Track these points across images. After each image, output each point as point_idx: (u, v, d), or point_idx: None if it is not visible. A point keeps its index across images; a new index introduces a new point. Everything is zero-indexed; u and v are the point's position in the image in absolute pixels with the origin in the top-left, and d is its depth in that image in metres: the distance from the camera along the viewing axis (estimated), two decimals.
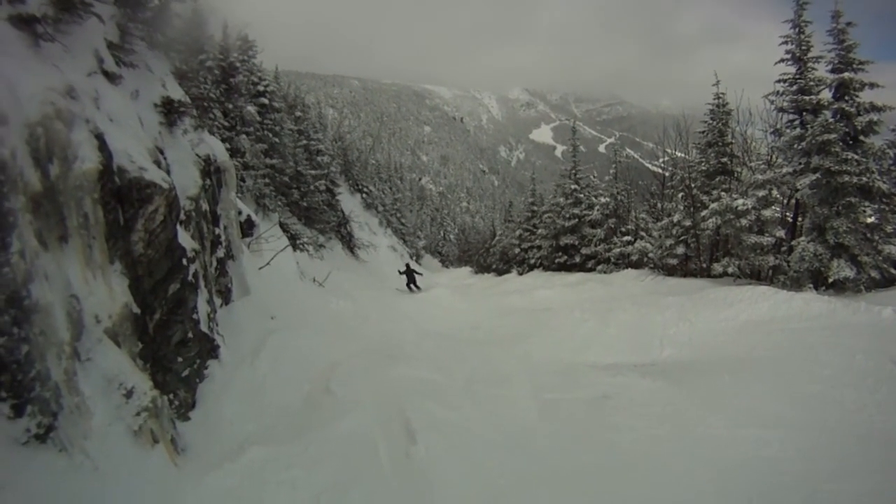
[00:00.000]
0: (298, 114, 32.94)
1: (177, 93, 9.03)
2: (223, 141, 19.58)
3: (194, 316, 7.31)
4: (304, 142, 31.20)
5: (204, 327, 7.65)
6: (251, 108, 22.37)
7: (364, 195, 51.38)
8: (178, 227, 6.93)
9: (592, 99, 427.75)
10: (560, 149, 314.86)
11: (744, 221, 17.12)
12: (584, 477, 6.20)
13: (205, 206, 8.59)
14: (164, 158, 7.58)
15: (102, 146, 5.39)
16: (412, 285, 27.74)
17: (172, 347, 6.62)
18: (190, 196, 7.89)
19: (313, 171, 29.51)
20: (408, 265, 29.58)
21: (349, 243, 35.96)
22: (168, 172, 7.19)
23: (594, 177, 33.76)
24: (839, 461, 6.06)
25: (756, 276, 18.27)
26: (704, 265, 20.73)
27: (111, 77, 6.64)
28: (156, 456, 5.54)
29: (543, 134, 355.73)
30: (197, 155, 9.16)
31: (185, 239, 7.26)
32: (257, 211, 19.40)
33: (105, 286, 5.34)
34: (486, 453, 6.70)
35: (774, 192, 17.35)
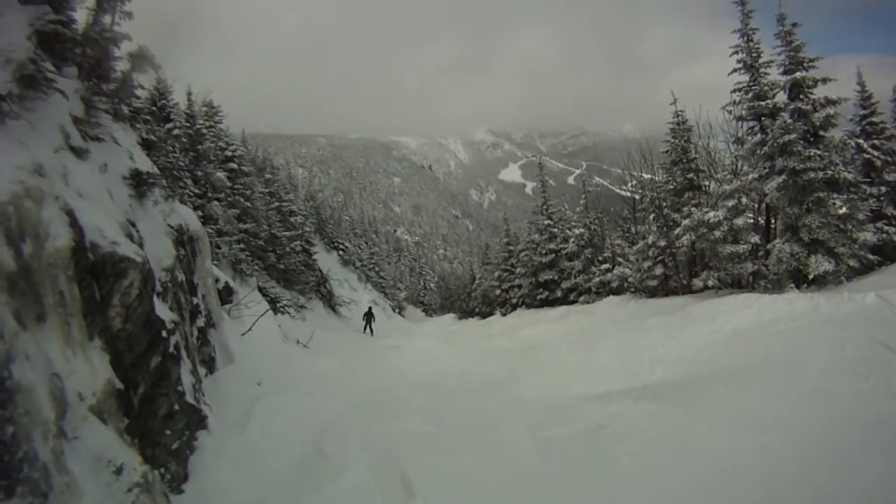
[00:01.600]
0: (268, 176, 33.18)
1: (145, 164, 9.03)
2: (195, 209, 19.53)
3: (179, 388, 7.21)
4: (276, 203, 31.42)
5: (190, 398, 7.55)
6: (221, 175, 22.45)
7: (340, 252, 51.54)
8: (154, 299, 6.88)
9: (556, 132, 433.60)
10: (530, 185, 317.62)
11: (717, 233, 17.29)
12: None
13: (181, 277, 8.53)
14: (137, 231, 7.54)
15: (73, 222, 5.36)
16: (369, 327, 32.09)
17: (159, 421, 6.51)
18: (165, 267, 7.84)
19: (287, 233, 29.64)
20: (370, 308, 33.80)
21: (330, 302, 35.99)
22: (141, 245, 7.16)
23: (566, 209, 34.05)
24: (841, 453, 6.08)
25: (737, 284, 18.40)
26: (684, 282, 20.87)
27: (78, 152, 6.62)
28: None
29: (512, 173, 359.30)
30: (169, 225, 9.14)
31: (164, 311, 7.19)
32: (234, 277, 19.34)
33: (86, 363, 5.27)
34: (488, 500, 6.64)
35: (744, 200, 17.59)
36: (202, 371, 9.78)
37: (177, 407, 6.99)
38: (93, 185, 6.53)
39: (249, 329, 13.69)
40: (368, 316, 32.93)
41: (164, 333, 6.84)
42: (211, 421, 8.12)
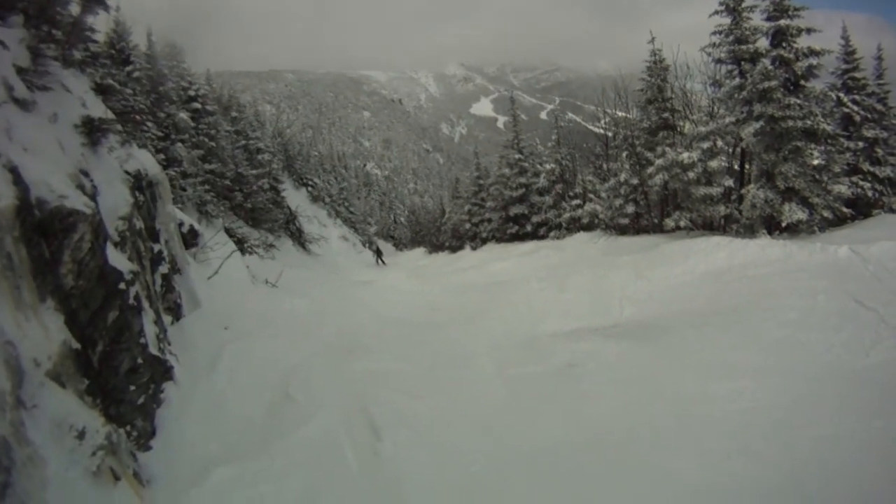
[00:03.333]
0: (234, 114, 32.45)
1: (98, 110, 8.69)
2: (158, 151, 19.21)
3: (141, 340, 7.06)
4: (243, 142, 30.90)
5: (154, 350, 7.40)
6: (184, 115, 21.93)
7: (309, 189, 50.99)
8: (108, 250, 6.67)
9: (530, 67, 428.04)
10: (502, 120, 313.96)
11: (691, 174, 17.17)
12: (558, 453, 6.19)
13: (139, 224, 8.30)
14: (90, 180, 7.26)
15: (17, 179, 5.12)
16: (380, 259, 37.32)
17: (122, 377, 6.37)
18: (122, 216, 7.60)
19: (255, 171, 29.14)
20: (377, 245, 39.43)
21: (299, 239, 35.68)
22: (95, 195, 6.92)
23: (537, 144, 33.76)
24: (813, 405, 6.17)
25: (709, 227, 18.41)
26: (656, 221, 20.88)
27: (23, 104, 6.31)
28: (119, 494, 5.30)
29: (484, 107, 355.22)
30: (126, 172, 8.87)
31: (121, 261, 6.99)
32: (200, 219, 19.03)
33: (39, 327, 5.08)
34: (456, 441, 6.63)
35: (719, 143, 17.45)
36: (167, 319, 9.63)
37: (140, 360, 6.85)
38: (40, 138, 6.25)
39: (216, 272, 13.51)
40: (377, 251, 38.98)
41: (122, 286, 6.64)
42: (177, 371, 8.01)
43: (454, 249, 39.03)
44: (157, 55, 22.41)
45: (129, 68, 19.96)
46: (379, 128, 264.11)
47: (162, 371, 7.54)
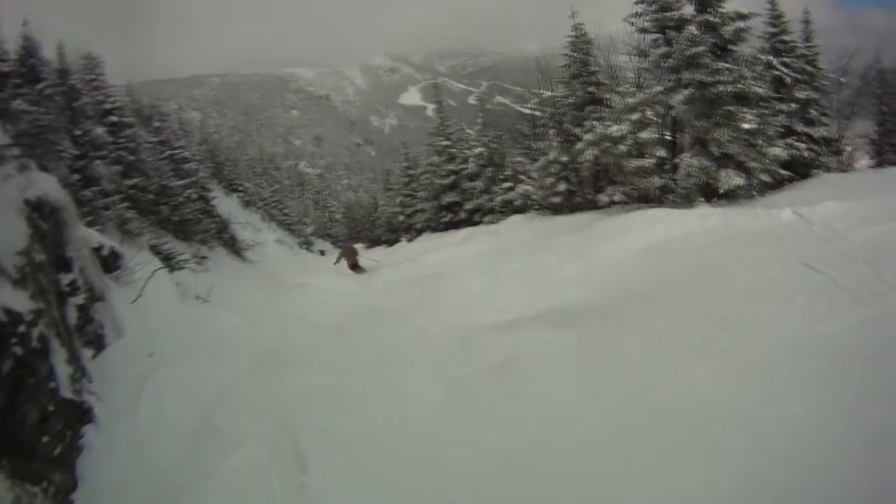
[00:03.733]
0: (157, 124, 31.35)
1: None
2: (75, 171, 18.42)
3: (51, 385, 6.57)
4: (168, 152, 29.81)
5: (67, 392, 6.90)
6: (100, 130, 20.98)
7: (240, 194, 50.13)
8: (7, 290, 6.19)
9: (456, 54, 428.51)
10: (431, 108, 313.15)
11: (622, 147, 17.15)
12: (503, 468, 5.81)
13: (40, 257, 7.70)
14: None
15: None
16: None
17: (30, 431, 5.89)
18: (19, 251, 7.04)
19: (181, 182, 28.19)
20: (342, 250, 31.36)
21: (234, 247, 34.87)
22: None
23: (465, 129, 33.55)
24: (772, 384, 5.86)
25: (644, 199, 18.44)
26: (590, 197, 20.77)
27: None
28: None
29: (412, 96, 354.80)
30: (27, 200, 8.30)
31: (20, 301, 6.47)
32: (122, 240, 18.20)
33: None
34: (390, 465, 6.23)
35: (649, 114, 17.44)
36: (89, 353, 9.10)
37: (51, 408, 6.38)
38: None
39: (139, 295, 12.85)
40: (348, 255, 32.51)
41: (20, 328, 6.15)
42: (98, 411, 7.53)
43: (390, 243, 38.78)
44: (69, 69, 21.42)
45: (40, 86, 19.01)
46: (308, 125, 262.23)
47: (79, 415, 7.06)
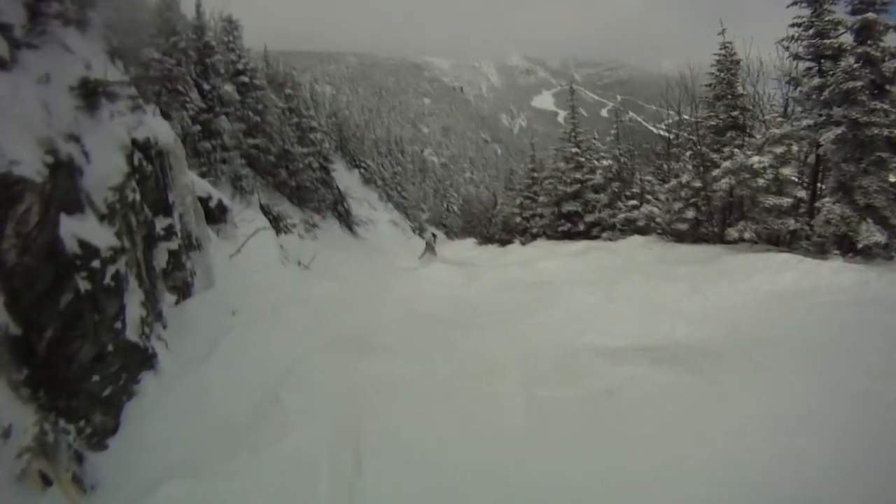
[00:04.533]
0: (288, 91, 31.63)
1: (104, 72, 7.82)
2: (200, 124, 18.67)
3: (116, 325, 6.21)
4: (296, 119, 30.11)
5: (133, 335, 6.53)
6: (229, 88, 21.27)
7: (362, 170, 50.52)
8: (92, 223, 5.93)
9: (593, 63, 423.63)
10: (562, 114, 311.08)
11: (760, 181, 15.71)
12: None
13: (134, 196, 7.38)
14: (81, 147, 6.50)
15: None
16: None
17: (80, 367, 5.52)
18: (112, 186, 6.73)
19: (304, 150, 28.39)
20: (428, 241, 33.40)
21: (347, 221, 34.98)
22: (73, 163, 6.12)
23: (596, 139, 32.33)
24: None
25: (774, 241, 16.96)
26: (716, 230, 19.37)
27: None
28: (47, 502, 4.55)
29: (545, 100, 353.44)
30: (134, 139, 8.06)
31: (102, 236, 6.14)
32: (234, 194, 18.26)
33: None
34: (453, 484, 5.50)
35: (794, 148, 15.95)
36: (171, 299, 8.83)
37: (110, 347, 6.01)
38: (16, 98, 5.52)
39: (238, 250, 12.65)
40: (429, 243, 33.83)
41: (92, 264, 5.80)
42: (164, 360, 7.14)
43: (503, 242, 37.86)
44: (205, 26, 21.84)
45: (174, 38, 19.49)
46: (438, 115, 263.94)
47: (141, 359, 6.68)
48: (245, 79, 23.28)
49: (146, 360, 6.78)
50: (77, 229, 5.73)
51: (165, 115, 17.41)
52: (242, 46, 24.14)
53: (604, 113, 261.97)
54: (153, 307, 7.60)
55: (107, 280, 6.03)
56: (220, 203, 13.72)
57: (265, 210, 18.53)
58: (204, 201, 12.89)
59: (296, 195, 27.27)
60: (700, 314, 11.35)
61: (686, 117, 24.16)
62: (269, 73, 33.36)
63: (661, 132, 29.96)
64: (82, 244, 5.70)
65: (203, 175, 16.72)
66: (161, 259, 8.75)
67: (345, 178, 41.82)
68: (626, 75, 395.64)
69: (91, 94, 7.16)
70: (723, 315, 11.07)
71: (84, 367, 5.60)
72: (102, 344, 5.87)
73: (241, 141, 21.29)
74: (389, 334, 11.02)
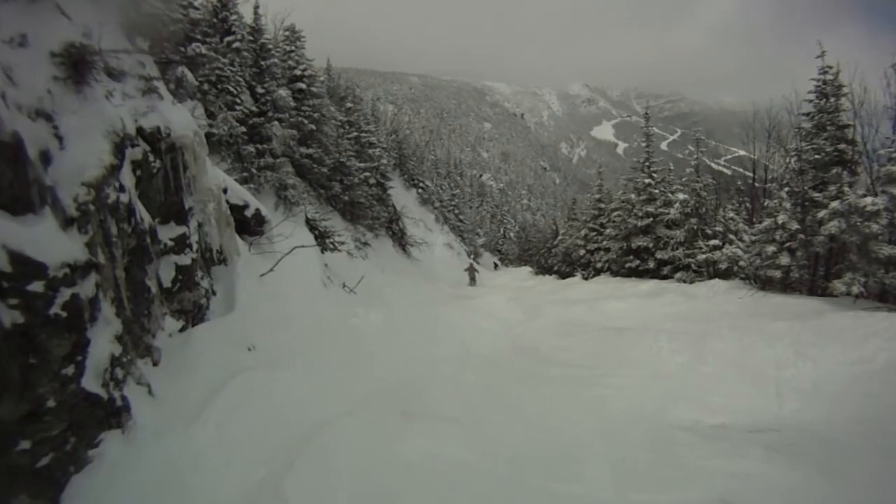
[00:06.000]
0: (349, 105, 30.76)
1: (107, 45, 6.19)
2: (249, 127, 17.45)
3: (66, 371, 4.47)
4: (355, 133, 29.33)
5: (93, 384, 4.77)
6: (283, 93, 20.01)
7: (420, 190, 49.65)
8: (20, 227, 4.25)
9: (654, 95, 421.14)
10: (622, 146, 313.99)
11: (874, 226, 13.57)
12: None
13: (119, 196, 5.66)
14: (54, 128, 4.98)
15: None
16: (472, 281, 33.96)
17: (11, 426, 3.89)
18: (86, 181, 5.05)
19: (361, 164, 27.25)
20: (471, 264, 36.10)
21: (401, 241, 34.21)
22: (58, 146, 4.77)
23: (671, 169, 30.10)
24: None
25: (881, 298, 14.68)
26: (819, 282, 16.95)
27: None
28: None
29: (605, 131, 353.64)
30: (140, 128, 6.46)
31: (58, 247, 4.45)
32: (278, 204, 16.76)
33: None
34: None
35: None
36: (176, 325, 7.15)
37: (51, 402, 4.27)
38: None
39: (271, 269, 10.95)
40: (471, 271, 35.27)
41: (29, 287, 4.10)
42: (140, 412, 5.37)
43: (563, 275, 35.94)
44: (262, 29, 20.83)
45: (229, 38, 18.68)
46: (498, 140, 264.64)
47: (101, 416, 4.90)
48: (302, 85, 22.29)
49: (111, 415, 5.00)
50: (12, 237, 4.05)
51: (210, 115, 16.15)
52: (304, 56, 23.07)
53: (664, 146, 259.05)
54: (136, 341, 5.88)
55: (54, 310, 4.32)
56: (257, 213, 12.13)
57: (311, 224, 16.96)
58: (238, 209, 11.36)
59: (348, 210, 26.22)
60: (810, 385, 9.35)
61: (780, 150, 21.83)
62: (331, 85, 32.87)
63: (720, 167, 28.00)
64: (15, 258, 4.01)
65: (244, 181, 15.29)
66: (165, 276, 7.12)
67: (402, 196, 40.88)
68: (686, 108, 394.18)
69: (77, 63, 5.54)
70: (837, 388, 9.06)
71: (7, 429, 3.91)
72: (38, 398, 4.16)
73: (292, 149, 20.07)
74: (440, 387, 9.10)
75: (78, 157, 5.12)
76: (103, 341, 5.01)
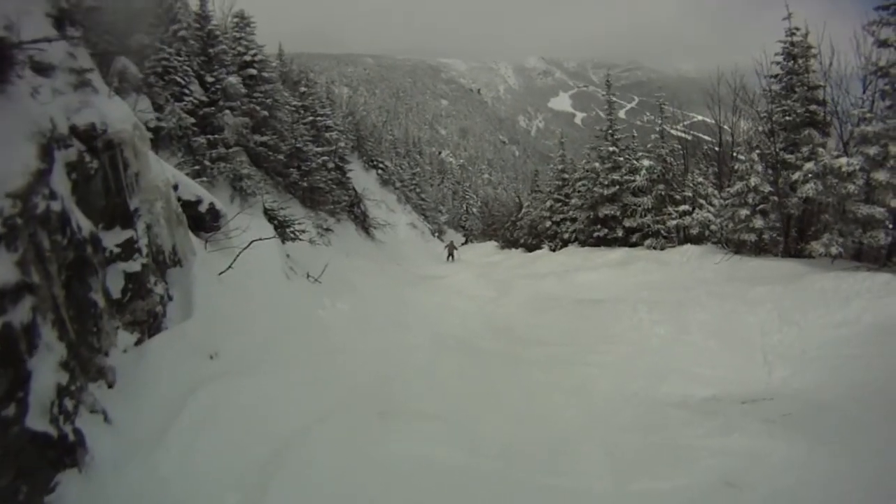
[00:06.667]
0: (303, 89, 30.11)
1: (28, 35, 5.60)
2: (200, 118, 16.96)
3: (6, 412, 3.95)
4: (311, 118, 28.71)
5: (38, 422, 4.24)
6: (233, 80, 19.23)
7: (380, 171, 49.15)
8: None
9: (610, 64, 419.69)
10: (580, 116, 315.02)
11: (850, 187, 13.34)
12: None
13: (51, 205, 5.07)
14: None
15: None
16: (450, 257, 35.76)
17: None
18: (11, 192, 4.48)
19: (319, 149, 26.69)
20: (451, 242, 38.44)
21: (364, 224, 33.69)
22: None
23: (634, 136, 29.82)
24: None
25: (857, 257, 14.54)
26: (794, 242, 16.73)
27: None
28: None
29: (562, 102, 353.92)
30: (73, 126, 5.89)
31: None
32: (233, 196, 16.13)
33: None
34: None
35: (893, 149, 13.45)
36: (131, 338, 6.64)
37: None
38: None
39: (230, 266, 10.37)
40: (451, 248, 37.09)
41: None
42: (96, 445, 4.86)
43: (530, 248, 35.70)
44: (209, 15, 20.04)
45: (174, 27, 17.79)
46: (456, 116, 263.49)
47: (54, 457, 4.39)
48: (253, 71, 21.47)
49: (64, 453, 4.49)
50: None
51: (157, 108, 15.45)
52: (254, 42, 22.32)
53: (622, 114, 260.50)
54: (85, 365, 5.35)
55: None
56: (211, 207, 11.50)
57: (270, 214, 16.35)
58: (192, 205, 10.74)
59: (308, 197, 25.66)
60: (797, 350, 9.25)
61: (749, 112, 21.61)
62: (284, 71, 32.24)
63: (679, 133, 27.85)
64: None
65: (196, 175, 14.62)
66: (114, 286, 6.55)
67: (362, 179, 40.44)
68: (644, 76, 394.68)
69: None
70: (824, 352, 8.99)
71: None
72: None
73: (245, 138, 19.34)
74: (416, 380, 8.67)
75: (0, 164, 4.55)
76: (46, 371, 4.49)
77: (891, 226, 13.75)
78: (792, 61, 17.10)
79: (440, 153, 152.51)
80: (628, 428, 6.79)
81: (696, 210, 21.61)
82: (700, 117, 21.87)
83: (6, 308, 4.07)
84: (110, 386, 5.75)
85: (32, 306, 4.42)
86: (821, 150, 15.04)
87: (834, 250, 13.78)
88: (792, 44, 17.11)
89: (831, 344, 9.09)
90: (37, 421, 4.25)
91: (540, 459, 6.00)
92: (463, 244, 47.69)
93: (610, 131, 27.91)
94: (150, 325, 7.14)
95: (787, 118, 16.73)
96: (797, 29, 17.17)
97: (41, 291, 4.67)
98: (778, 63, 17.48)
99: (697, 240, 20.75)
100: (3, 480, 3.86)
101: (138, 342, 6.74)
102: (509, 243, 43.06)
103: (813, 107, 16.44)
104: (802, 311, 10.31)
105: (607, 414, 7.31)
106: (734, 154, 22.17)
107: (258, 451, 5.55)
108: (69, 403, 4.72)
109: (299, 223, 17.68)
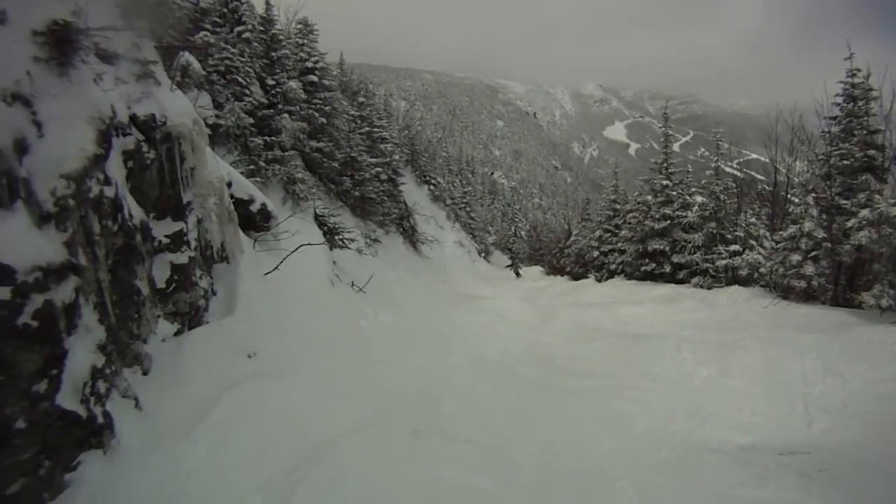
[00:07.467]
0: (361, 100, 30.18)
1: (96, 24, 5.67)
2: (257, 119, 17.12)
3: (38, 387, 3.98)
4: (367, 128, 28.57)
5: (70, 401, 4.27)
6: (294, 84, 19.40)
7: (432, 187, 48.92)
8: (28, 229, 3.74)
9: (667, 96, 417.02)
10: (634, 147, 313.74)
11: None
12: None
13: (105, 190, 5.13)
14: (32, 111, 4.51)
15: None
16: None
17: None
18: (66, 173, 4.53)
19: (373, 160, 26.65)
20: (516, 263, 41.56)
21: (412, 237, 33.47)
22: (35, 133, 4.37)
23: (689, 171, 29.31)
24: None
25: None
26: (843, 291, 16.18)
27: None
28: None
29: (617, 131, 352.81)
30: (133, 116, 5.96)
31: (34, 248, 3.96)
32: (286, 199, 16.22)
33: None
34: None
35: None
36: (171, 328, 6.69)
37: (21, 423, 3.79)
38: None
39: (276, 267, 10.43)
40: (516, 268, 39.43)
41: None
42: (125, 429, 4.86)
43: (576, 276, 35.34)
44: (273, 19, 20.27)
45: (239, 28, 18.12)
46: (510, 138, 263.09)
47: (80, 436, 4.39)
48: (314, 78, 21.65)
49: (91, 434, 4.50)
50: None
51: (217, 105, 15.65)
52: (316, 49, 22.53)
53: (676, 148, 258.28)
54: (122, 350, 5.37)
55: (23, 319, 3.82)
56: (263, 208, 11.60)
57: (320, 220, 16.44)
58: (244, 204, 10.86)
59: (359, 206, 25.57)
60: (839, 404, 8.82)
61: (806, 153, 21.04)
62: (343, 80, 32.31)
63: (733, 171, 27.17)
64: None
65: (251, 175, 14.76)
66: (159, 276, 6.60)
67: (413, 193, 40.34)
68: (699, 110, 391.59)
69: (62, 43, 5.02)
70: (867, 408, 8.51)
71: None
72: (4, 419, 3.67)
73: (302, 142, 19.49)
74: (453, 401, 8.56)
75: (57, 145, 4.61)
76: (83, 352, 4.52)
77: None
78: (852, 103, 16.53)
79: (492, 174, 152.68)
80: (663, 469, 6.59)
81: (747, 251, 21.03)
82: (754, 155, 21.37)
83: (49, 286, 4.09)
84: (145, 373, 5.78)
85: (76, 287, 4.44)
86: (877, 196, 14.54)
87: (885, 302, 13.25)
88: (853, 85, 16.55)
89: (875, 400, 8.73)
90: (68, 399, 4.28)
91: (571, 493, 5.84)
92: (507, 266, 47.48)
93: (665, 164, 27.47)
94: (191, 318, 7.19)
95: (845, 162, 16.16)
96: (858, 70, 16.55)
97: (86, 274, 4.70)
98: (838, 104, 16.95)
99: (746, 281, 20.20)
100: (26, 453, 3.88)
101: (178, 333, 6.80)
102: (555, 270, 42.76)
103: (871, 151, 15.86)
104: (848, 364, 9.94)
105: (643, 453, 7.10)
106: (788, 195, 21.65)
107: (287, 457, 5.50)
108: (102, 386, 4.73)
109: (349, 232, 17.75)
